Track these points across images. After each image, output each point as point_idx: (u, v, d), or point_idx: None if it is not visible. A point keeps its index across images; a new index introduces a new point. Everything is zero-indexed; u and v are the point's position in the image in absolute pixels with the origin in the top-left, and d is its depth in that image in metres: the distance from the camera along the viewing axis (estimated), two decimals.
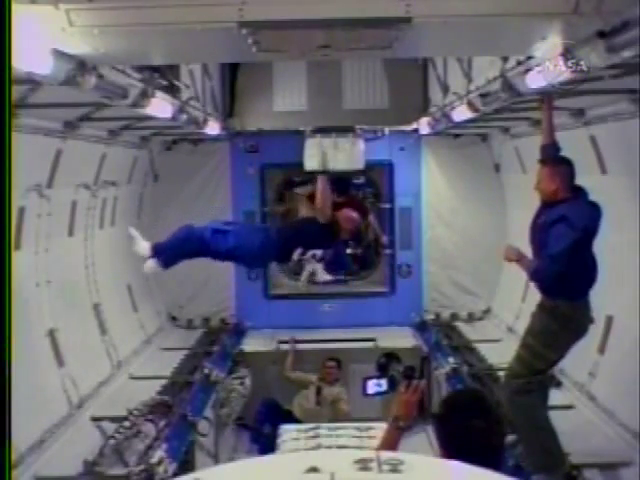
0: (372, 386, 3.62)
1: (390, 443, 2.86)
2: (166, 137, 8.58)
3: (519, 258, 4.57)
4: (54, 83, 3.48)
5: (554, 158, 4.76)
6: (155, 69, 5.17)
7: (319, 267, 8.89)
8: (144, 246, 5.73)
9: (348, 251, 10.92)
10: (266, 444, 7.18)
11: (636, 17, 2.76)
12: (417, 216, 9.35)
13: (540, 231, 4.59)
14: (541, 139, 5.02)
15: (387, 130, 9.14)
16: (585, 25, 3.07)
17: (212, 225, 5.89)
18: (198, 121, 6.75)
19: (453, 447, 2.38)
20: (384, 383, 3.62)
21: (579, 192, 4.59)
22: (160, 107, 5.27)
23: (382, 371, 8.49)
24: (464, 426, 2.39)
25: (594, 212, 4.49)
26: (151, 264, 5.72)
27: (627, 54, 2.99)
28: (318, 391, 8.10)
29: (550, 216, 4.49)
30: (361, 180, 10.97)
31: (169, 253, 5.75)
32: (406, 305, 9.27)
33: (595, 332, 5.65)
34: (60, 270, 5.91)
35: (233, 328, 9.18)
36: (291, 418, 7.71)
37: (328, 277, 8.96)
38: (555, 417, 4.75)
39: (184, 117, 6.07)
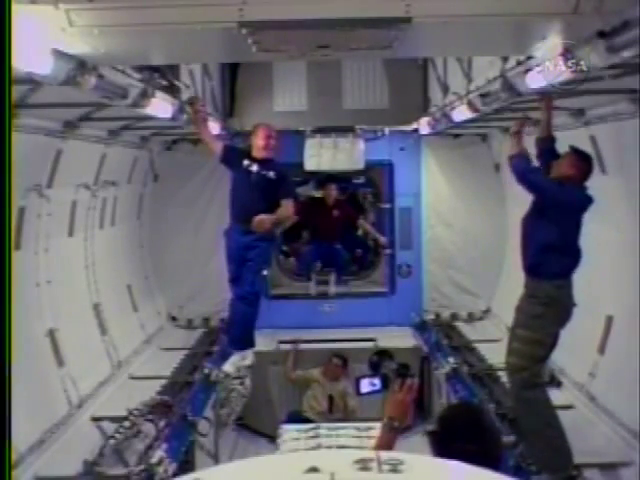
0: (366, 385, 3.52)
1: (386, 444, 2.76)
2: (166, 137, 8.58)
3: (520, 136, 5.02)
4: (54, 83, 3.47)
5: (584, 153, 4.89)
6: (155, 69, 5.16)
7: None
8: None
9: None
10: None
11: (636, 17, 2.76)
12: (417, 216, 9.33)
13: (528, 221, 4.88)
14: (539, 133, 5.17)
15: (387, 130, 9.13)
16: (585, 25, 3.07)
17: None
18: None
19: None
20: (378, 382, 3.52)
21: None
22: (160, 107, 5.26)
23: (374, 369, 8.44)
24: (460, 449, 2.37)
25: (583, 197, 4.71)
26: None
27: (627, 54, 2.99)
28: (331, 399, 8.12)
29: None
30: (361, 180, 11.00)
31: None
32: (406, 305, 9.25)
33: (595, 332, 5.65)
34: (60, 270, 5.91)
35: None
36: None
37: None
38: None
39: (184, 117, 6.06)
